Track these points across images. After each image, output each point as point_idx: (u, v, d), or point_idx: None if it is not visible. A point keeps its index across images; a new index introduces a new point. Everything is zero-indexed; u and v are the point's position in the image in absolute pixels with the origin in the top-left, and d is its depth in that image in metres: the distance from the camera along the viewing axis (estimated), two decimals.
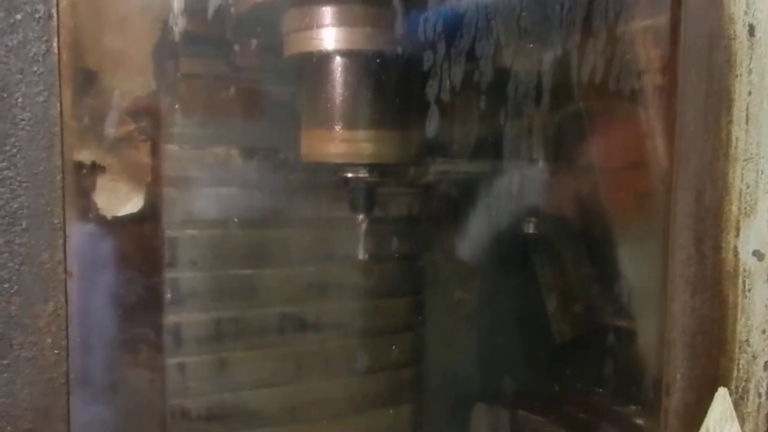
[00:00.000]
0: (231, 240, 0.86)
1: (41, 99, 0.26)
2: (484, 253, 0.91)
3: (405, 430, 0.94)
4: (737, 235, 0.40)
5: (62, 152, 0.26)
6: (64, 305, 0.27)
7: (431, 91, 0.63)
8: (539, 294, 0.83)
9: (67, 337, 0.27)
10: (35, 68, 0.26)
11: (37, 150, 0.26)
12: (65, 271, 0.27)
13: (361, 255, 0.78)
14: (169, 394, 0.82)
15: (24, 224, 0.26)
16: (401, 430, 0.94)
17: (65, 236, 0.27)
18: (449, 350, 0.96)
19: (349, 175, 0.74)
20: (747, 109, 0.38)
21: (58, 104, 0.26)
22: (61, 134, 0.26)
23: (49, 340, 0.27)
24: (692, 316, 0.38)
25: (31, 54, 0.26)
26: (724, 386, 0.39)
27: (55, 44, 0.25)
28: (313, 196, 0.91)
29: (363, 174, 0.74)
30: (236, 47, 0.82)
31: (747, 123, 0.38)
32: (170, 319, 0.83)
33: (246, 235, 0.87)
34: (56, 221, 0.26)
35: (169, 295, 0.83)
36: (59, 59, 0.25)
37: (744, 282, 0.40)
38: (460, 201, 0.93)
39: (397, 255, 0.95)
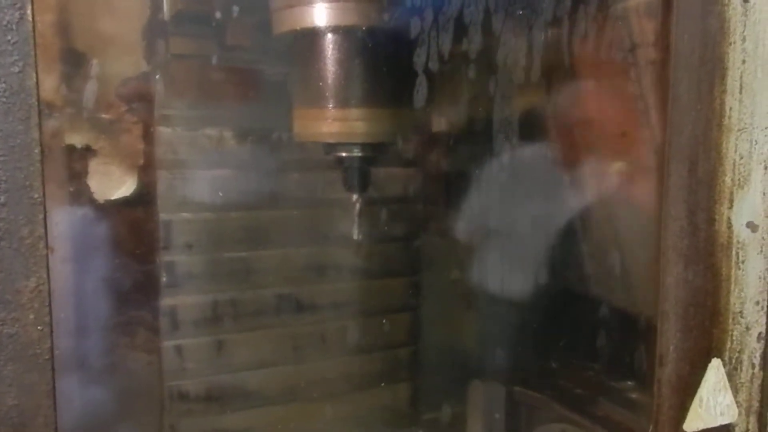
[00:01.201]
0: (226, 222, 0.86)
1: (16, 69, 0.25)
2: (481, 231, 0.91)
3: (402, 408, 0.95)
4: (731, 207, 0.39)
5: (39, 124, 0.26)
6: (46, 281, 0.27)
7: (421, 64, 0.62)
8: (537, 270, 0.83)
9: (50, 313, 0.26)
10: (9, 37, 0.25)
11: (13, 122, 0.26)
12: (47, 246, 0.27)
13: (356, 235, 0.77)
14: (166, 376, 0.82)
15: (2, 199, 0.26)
16: (399, 408, 0.95)
17: (45, 211, 0.26)
18: (446, 329, 0.97)
19: (343, 154, 0.73)
20: (741, 78, 0.38)
21: (34, 75, 0.25)
22: (38, 106, 0.25)
23: (31, 317, 0.26)
24: (685, 288, 0.38)
25: (4, 22, 0.25)
26: (718, 357, 0.39)
27: (29, 11, 0.24)
28: (308, 177, 0.90)
29: (356, 153, 0.73)
30: (227, 26, 0.81)
31: (741, 92, 0.38)
32: (166, 301, 0.83)
33: (241, 217, 0.87)
34: (35, 195, 0.26)
35: (164, 278, 0.83)
36: (34, 27, 0.25)
37: (737, 254, 0.39)
38: (456, 180, 0.93)
39: (393, 235, 0.95)
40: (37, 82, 0.25)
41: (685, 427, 0.38)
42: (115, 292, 0.79)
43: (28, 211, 0.26)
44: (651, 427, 0.37)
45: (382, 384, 0.94)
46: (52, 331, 0.26)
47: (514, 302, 0.84)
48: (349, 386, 0.92)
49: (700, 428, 0.38)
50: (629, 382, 0.69)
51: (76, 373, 0.77)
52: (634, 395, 0.67)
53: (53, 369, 0.26)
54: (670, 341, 0.37)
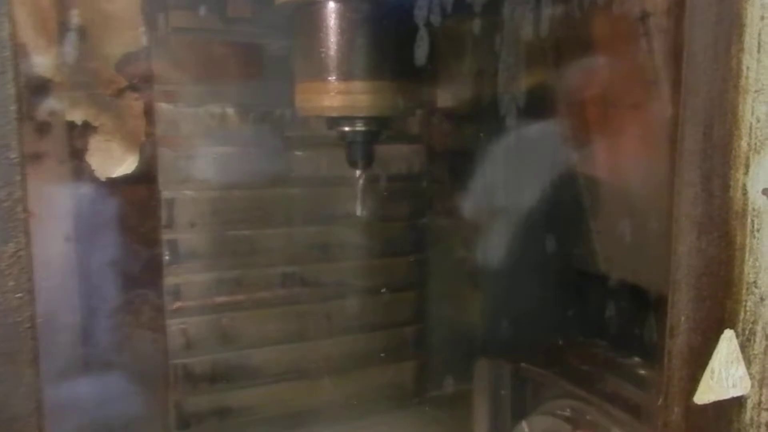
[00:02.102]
0: (229, 201, 0.85)
1: None
2: (487, 209, 0.89)
3: (409, 385, 0.95)
4: (746, 173, 0.38)
5: (15, 79, 0.24)
6: (25, 246, 0.26)
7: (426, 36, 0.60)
8: (542, 248, 0.82)
9: (30, 279, 0.26)
10: None
11: None
12: (25, 210, 0.26)
13: (359, 212, 0.76)
14: (171, 353, 0.82)
15: None
16: (405, 385, 0.94)
17: (24, 172, 0.25)
18: (452, 306, 0.96)
19: (346, 128, 0.72)
20: (759, 35, 0.36)
21: (8, 25, 0.24)
22: (14, 59, 0.24)
23: (11, 283, 0.26)
24: (698, 257, 0.37)
25: None
26: (731, 328, 0.37)
27: None
28: (313, 155, 0.89)
29: (360, 127, 0.71)
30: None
31: (759, 51, 0.36)
32: (170, 279, 0.82)
33: (244, 195, 0.86)
34: (12, 156, 0.25)
35: (167, 257, 0.83)
36: None
37: (753, 222, 0.38)
38: (462, 157, 0.91)
39: (398, 213, 0.94)
40: (13, 33, 0.24)
41: (696, 399, 0.37)
42: (117, 271, 0.79)
43: (4, 172, 0.25)
44: (660, 398, 0.36)
45: (389, 361, 0.94)
46: (33, 299, 0.25)
47: (521, 280, 0.83)
48: (356, 364, 0.92)
49: (712, 400, 0.37)
50: (636, 358, 0.68)
51: (82, 350, 0.77)
52: (641, 371, 0.66)
53: (35, 338, 0.25)
54: (681, 312, 0.36)
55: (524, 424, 0.67)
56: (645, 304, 0.62)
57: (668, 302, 0.36)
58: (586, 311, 0.77)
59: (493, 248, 0.88)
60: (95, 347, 0.77)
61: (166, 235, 0.82)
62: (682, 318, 0.36)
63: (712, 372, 0.36)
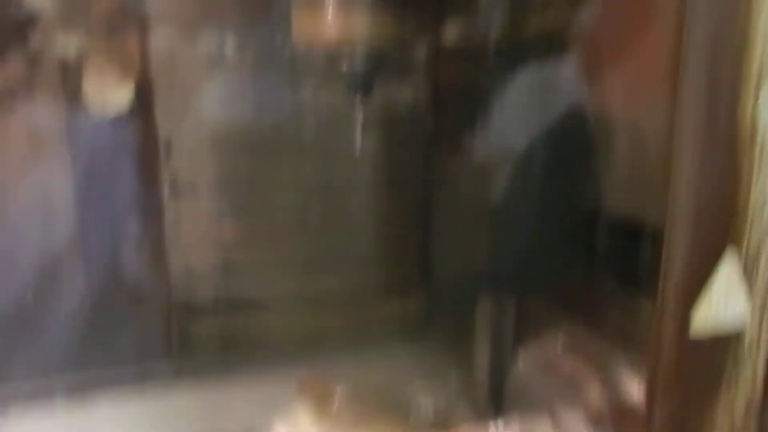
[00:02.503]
0: (230, 135, 0.84)
1: None
2: (493, 147, 0.88)
3: (415, 320, 0.96)
4: (756, 99, 0.35)
5: None
6: None
7: None
8: (549, 186, 0.80)
9: None
10: None
11: None
12: None
13: (358, 147, 0.75)
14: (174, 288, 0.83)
15: None
16: (411, 319, 0.96)
17: None
18: (457, 243, 0.96)
19: (345, 57, 0.70)
20: None
21: None
22: None
23: None
24: (699, 188, 0.35)
25: None
26: (732, 261, 0.36)
27: None
28: (316, 89, 0.87)
29: (359, 57, 0.69)
30: None
31: None
32: (170, 214, 0.83)
33: (245, 131, 0.84)
34: None
35: (166, 190, 0.83)
36: None
37: (761, 149, 0.36)
38: (468, 93, 0.89)
39: (403, 150, 0.93)
40: None
41: (692, 329, 0.36)
42: (116, 205, 0.79)
43: None
44: (654, 328, 0.35)
45: (395, 295, 0.95)
46: None
47: (527, 217, 0.82)
48: (362, 296, 0.93)
49: (709, 331, 0.36)
50: (640, 294, 0.68)
51: (84, 282, 0.78)
52: (645, 307, 0.65)
53: None
54: (678, 245, 0.35)
55: (519, 354, 0.68)
56: (650, 240, 0.61)
57: (665, 234, 0.34)
58: (591, 248, 0.76)
59: (500, 186, 0.86)
60: (97, 280, 0.78)
61: (165, 170, 0.81)
62: (679, 251, 0.34)
63: (711, 305, 0.35)
